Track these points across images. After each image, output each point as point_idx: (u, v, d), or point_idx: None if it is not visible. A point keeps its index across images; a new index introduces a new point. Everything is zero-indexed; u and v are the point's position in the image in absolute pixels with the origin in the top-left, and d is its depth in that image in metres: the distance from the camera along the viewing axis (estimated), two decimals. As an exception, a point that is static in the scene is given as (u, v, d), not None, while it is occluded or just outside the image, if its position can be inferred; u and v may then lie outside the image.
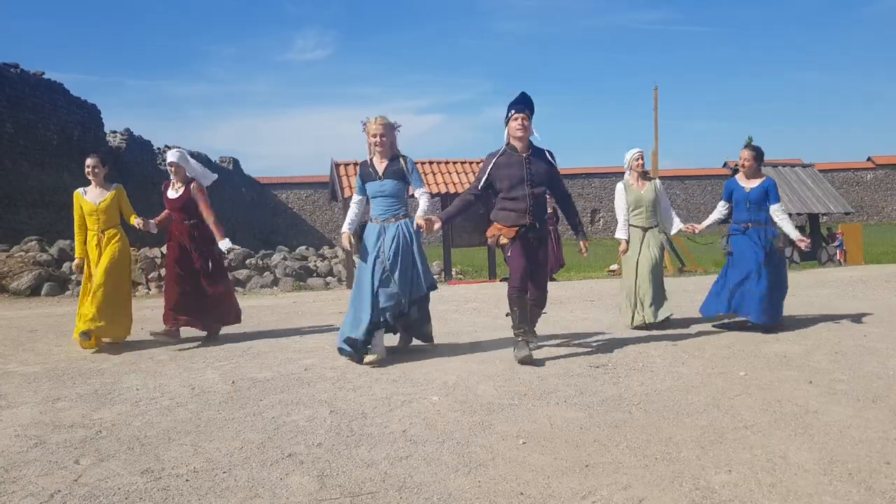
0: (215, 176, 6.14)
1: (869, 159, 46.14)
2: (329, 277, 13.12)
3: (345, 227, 4.91)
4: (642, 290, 5.78)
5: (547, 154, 4.68)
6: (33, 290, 10.54)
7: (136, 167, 19.98)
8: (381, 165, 4.78)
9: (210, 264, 5.67)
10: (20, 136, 15.52)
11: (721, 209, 6.01)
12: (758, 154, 5.72)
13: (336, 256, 14.67)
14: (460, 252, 15.41)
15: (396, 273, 4.62)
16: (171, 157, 5.77)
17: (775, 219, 5.58)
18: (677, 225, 6.00)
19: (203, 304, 5.61)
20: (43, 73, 16.85)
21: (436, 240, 35.94)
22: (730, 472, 2.56)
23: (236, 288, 11.67)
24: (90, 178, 5.63)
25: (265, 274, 12.26)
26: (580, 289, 10.09)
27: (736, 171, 6.15)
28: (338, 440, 3.00)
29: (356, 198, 4.96)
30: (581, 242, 4.89)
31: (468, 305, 8.13)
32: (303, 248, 15.59)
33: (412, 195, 4.91)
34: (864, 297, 7.74)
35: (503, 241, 4.57)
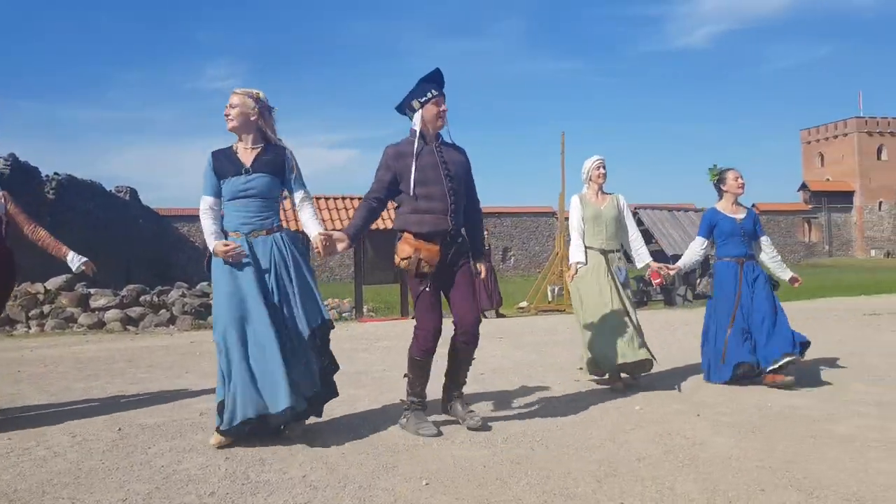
0: None
1: (753, 206, 49.72)
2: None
3: (213, 240, 3.52)
4: (617, 330, 4.68)
5: (461, 149, 3.89)
6: None
7: (20, 196, 18.76)
8: (247, 155, 3.56)
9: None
10: None
11: (699, 248, 5.10)
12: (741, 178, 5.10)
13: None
14: (371, 289, 15.27)
15: (288, 305, 3.47)
16: None
17: (768, 253, 5.09)
18: (644, 258, 4.95)
19: None
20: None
21: (347, 276, 35.49)
22: (623, 505, 2.64)
23: (127, 327, 11.06)
24: None
25: (161, 312, 11.69)
26: (488, 326, 10.22)
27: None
28: (232, 488, 2.86)
29: (209, 201, 3.56)
30: (480, 265, 3.87)
31: (379, 344, 8.06)
32: (204, 283, 14.97)
33: (286, 197, 3.75)
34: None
35: (425, 268, 3.58)
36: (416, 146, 3.68)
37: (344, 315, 15.47)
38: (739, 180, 5.05)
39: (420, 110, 3.72)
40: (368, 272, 14.30)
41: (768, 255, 5.10)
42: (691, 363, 5.81)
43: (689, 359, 6.03)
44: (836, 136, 66.93)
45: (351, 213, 15.45)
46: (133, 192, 31.27)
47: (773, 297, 4.86)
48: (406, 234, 3.65)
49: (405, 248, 3.62)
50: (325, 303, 18.17)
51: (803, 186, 62.95)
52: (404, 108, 3.82)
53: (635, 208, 19.55)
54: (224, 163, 3.53)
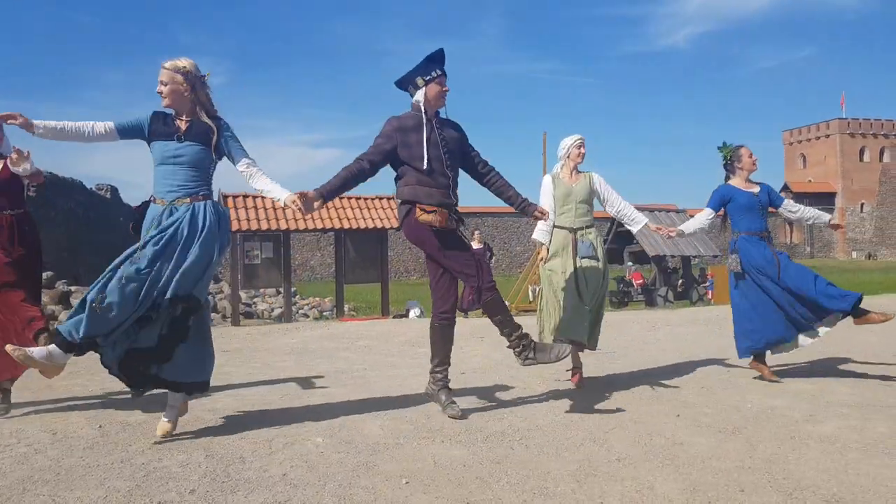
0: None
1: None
2: (212, 314, 12.61)
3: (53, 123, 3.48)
4: (577, 310, 4.64)
5: (456, 123, 4.02)
6: None
7: None
8: (181, 125, 3.53)
9: (33, 277, 4.25)
10: None
11: (706, 218, 5.08)
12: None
13: (221, 291, 14.14)
14: (353, 288, 15.27)
15: (164, 261, 3.34)
16: None
17: (796, 212, 5.15)
18: (640, 221, 4.88)
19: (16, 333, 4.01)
20: None
21: (328, 275, 35.41)
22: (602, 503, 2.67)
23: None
24: None
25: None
26: (471, 325, 10.24)
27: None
28: (212, 486, 2.86)
29: (111, 125, 3.52)
30: (535, 211, 4.13)
31: (359, 343, 8.05)
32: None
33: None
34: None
35: (438, 223, 3.73)
36: (424, 122, 3.79)
37: (325, 314, 15.45)
38: (753, 157, 5.06)
39: (424, 88, 3.82)
40: (349, 271, 14.31)
41: (798, 213, 5.15)
42: (672, 363, 5.88)
43: (669, 359, 6.09)
44: (818, 138, 67.83)
45: (340, 212, 15.43)
46: (114, 191, 31.00)
47: (802, 268, 4.85)
48: (418, 205, 3.77)
49: (423, 214, 3.74)
50: (307, 302, 17.99)
51: (785, 188, 63.72)
52: (406, 85, 3.90)
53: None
54: (160, 125, 3.53)
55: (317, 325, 11.16)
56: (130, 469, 3.09)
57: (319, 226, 15.23)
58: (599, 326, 4.93)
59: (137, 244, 3.43)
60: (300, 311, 16.02)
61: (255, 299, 17.67)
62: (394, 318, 12.72)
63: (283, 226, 14.65)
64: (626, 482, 2.90)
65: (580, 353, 4.90)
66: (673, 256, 19.18)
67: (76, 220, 21.02)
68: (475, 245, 14.47)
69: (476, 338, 8.34)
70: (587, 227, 4.87)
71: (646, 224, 4.91)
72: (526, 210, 4.12)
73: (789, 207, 5.13)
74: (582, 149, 4.90)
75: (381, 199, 16.12)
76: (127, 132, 3.55)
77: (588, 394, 4.70)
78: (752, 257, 4.87)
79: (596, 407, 4.29)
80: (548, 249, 4.85)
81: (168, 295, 3.35)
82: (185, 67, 3.50)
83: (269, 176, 3.63)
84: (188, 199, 3.46)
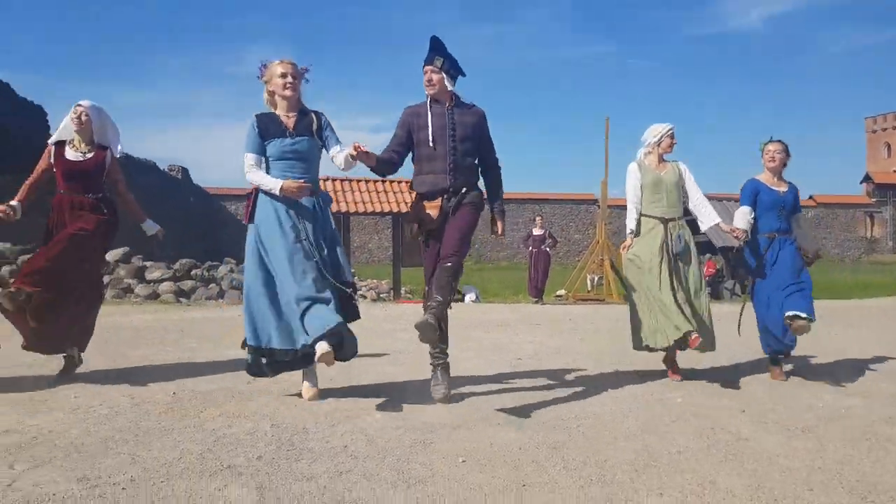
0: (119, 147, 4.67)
1: (810, 198, 48.21)
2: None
3: (276, 183, 3.68)
4: (673, 306, 4.47)
5: (479, 111, 4.07)
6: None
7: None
8: (289, 119, 3.80)
9: (98, 259, 4.53)
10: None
11: (748, 216, 4.82)
12: (788, 150, 4.88)
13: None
14: (409, 271, 15.43)
15: (318, 262, 3.67)
16: (85, 102, 4.41)
17: (801, 229, 4.99)
18: (713, 220, 4.76)
19: (80, 312, 4.31)
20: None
21: (386, 258, 35.92)
22: (661, 495, 2.65)
23: (180, 299, 11.43)
24: None
25: (211, 286, 12.04)
26: (524, 312, 10.23)
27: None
28: (278, 454, 2.98)
29: (252, 157, 3.75)
30: (498, 222, 4.16)
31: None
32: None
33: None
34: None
35: (430, 225, 3.92)
36: (423, 106, 3.99)
37: (382, 296, 15.66)
38: (772, 153, 4.85)
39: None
40: (406, 255, 14.45)
41: (801, 228, 5.02)
42: (738, 358, 5.73)
43: (736, 353, 5.94)
44: (904, 125, 63.92)
45: (398, 196, 15.60)
46: (185, 171, 32.12)
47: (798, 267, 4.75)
48: (415, 197, 4.02)
49: (410, 216, 4.05)
50: (365, 283, 18.25)
51: (867, 178, 60.11)
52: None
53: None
54: (269, 124, 3.77)
55: (375, 307, 11.35)
56: (202, 434, 3.24)
57: (378, 209, 15.42)
58: (711, 324, 4.74)
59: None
60: (358, 293, 16.29)
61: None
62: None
63: (343, 209, 14.90)
64: (687, 475, 2.87)
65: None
66: (743, 248, 18.57)
67: (151, 199, 21.92)
68: (537, 231, 14.37)
69: (532, 325, 8.33)
70: (678, 217, 4.73)
71: (717, 224, 4.80)
72: (493, 219, 4.20)
73: (797, 220, 4.99)
74: (674, 139, 4.79)
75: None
76: (260, 151, 3.80)
77: (648, 385, 4.64)
78: (767, 259, 4.79)
79: (657, 398, 4.24)
80: (633, 238, 4.75)
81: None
82: (302, 67, 3.85)
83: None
84: (311, 195, 3.77)
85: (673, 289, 4.55)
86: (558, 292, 15.47)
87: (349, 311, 3.83)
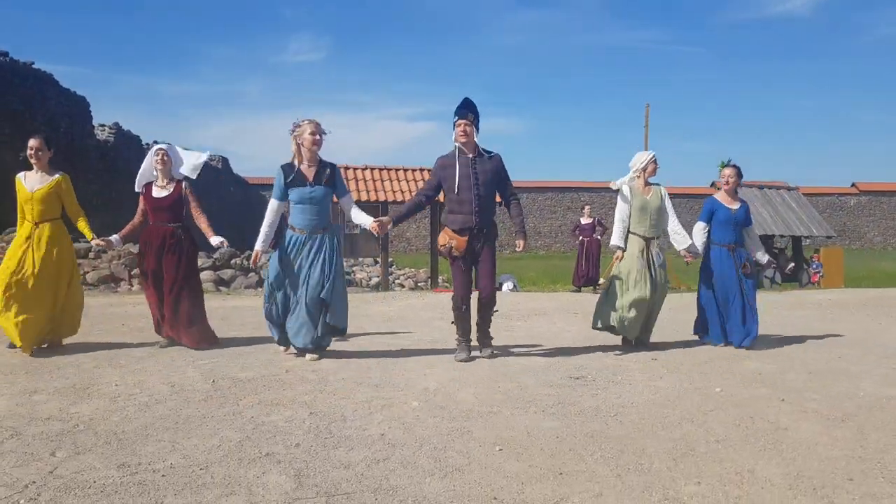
0: (201, 162, 5.53)
1: (853, 185, 46.74)
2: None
3: (259, 244, 4.84)
4: (637, 307, 5.30)
5: (497, 157, 4.92)
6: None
7: (122, 162, 19.88)
8: (309, 171, 4.73)
9: (190, 273, 5.31)
10: (6, 124, 15.38)
11: (703, 231, 5.75)
12: (739, 173, 5.78)
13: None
14: (447, 261, 15.50)
15: (324, 290, 4.65)
16: (162, 146, 5.35)
17: (751, 239, 5.80)
18: (683, 244, 5.55)
19: (188, 320, 5.20)
20: (33, 63, 16.75)
21: (423, 247, 36.09)
22: (699, 483, 2.61)
23: (220, 288, 11.63)
24: (32, 161, 5.04)
25: (250, 275, 12.23)
26: (563, 300, 10.16)
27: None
28: (316, 441, 3.02)
29: (275, 203, 4.79)
30: (518, 241, 5.00)
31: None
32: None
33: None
34: (841, 320, 7.87)
35: (455, 252, 4.81)
36: (451, 158, 4.85)
37: (420, 284, 15.73)
38: (726, 177, 5.73)
39: (453, 131, 4.85)
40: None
41: (751, 239, 5.83)
42: (777, 347, 5.61)
43: (774, 343, 5.82)
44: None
45: (419, 184, 15.64)
46: (225, 161, 32.59)
47: (749, 287, 5.61)
48: (445, 228, 4.91)
49: (443, 238, 4.90)
50: (402, 272, 18.35)
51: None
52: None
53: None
54: (291, 176, 4.72)
55: (412, 295, 11.41)
56: (241, 421, 3.30)
57: (409, 196, 15.44)
58: (653, 323, 5.63)
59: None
60: (396, 281, 16.38)
61: (353, 268, 18.23)
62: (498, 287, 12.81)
63: (382, 197, 14.95)
64: (725, 464, 2.82)
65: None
66: (782, 236, 18.12)
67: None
68: (585, 220, 14.30)
69: (570, 313, 8.27)
70: (657, 237, 5.54)
71: (684, 249, 5.57)
72: (516, 235, 5.04)
73: (752, 233, 5.86)
74: (656, 164, 5.53)
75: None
76: (282, 197, 4.78)
77: (686, 374, 4.58)
78: (716, 264, 5.64)
79: (695, 388, 4.18)
80: (623, 251, 5.43)
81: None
82: (320, 124, 4.76)
83: (357, 207, 4.95)
84: (321, 231, 4.75)
85: (648, 296, 5.34)
86: (598, 281, 15.37)
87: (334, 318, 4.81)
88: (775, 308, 9.10)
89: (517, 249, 5.09)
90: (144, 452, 2.84)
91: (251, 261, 4.64)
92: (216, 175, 28.92)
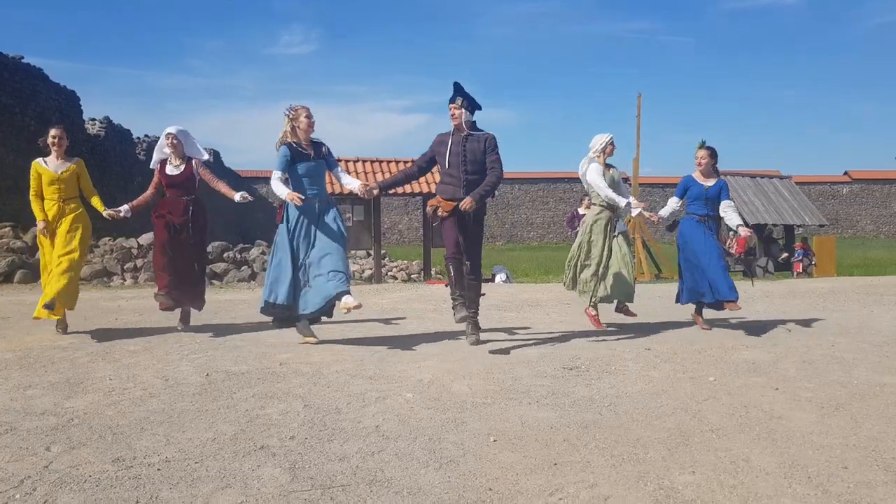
0: (208, 155, 6.18)
1: (845, 173, 46.90)
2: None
3: (287, 191, 4.98)
4: (610, 274, 5.91)
5: (487, 137, 5.26)
6: (6, 277, 10.39)
7: (114, 156, 19.76)
8: (308, 148, 5.19)
9: (200, 241, 5.92)
10: (-4, 119, 15.25)
11: (675, 204, 6.24)
12: (713, 153, 6.10)
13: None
14: (440, 252, 15.47)
15: (333, 254, 5.00)
16: (172, 129, 5.80)
17: (724, 213, 6.02)
18: (635, 208, 5.89)
19: (192, 281, 5.80)
20: (22, 58, 16.60)
21: (416, 239, 36.13)
22: (693, 473, 2.62)
23: (212, 281, 11.60)
24: (53, 148, 5.62)
25: (243, 268, 12.20)
26: (557, 291, 10.17)
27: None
28: (310, 434, 3.02)
29: (280, 175, 5.08)
30: (467, 199, 5.00)
31: (446, 305, 8.14)
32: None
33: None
34: (834, 308, 7.90)
35: (441, 213, 5.16)
36: (446, 136, 5.30)
37: (413, 277, 15.72)
38: (699, 159, 6.08)
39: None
40: (437, 235, 14.41)
41: (725, 213, 6.03)
42: (770, 336, 5.64)
43: (767, 332, 5.85)
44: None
45: (428, 176, 15.59)
46: (216, 154, 32.42)
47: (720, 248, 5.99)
48: (438, 196, 5.30)
49: (432, 202, 5.30)
50: (395, 264, 18.34)
51: (907, 155, 58.38)
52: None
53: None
54: (298, 151, 5.15)
55: (405, 287, 11.40)
56: (235, 415, 3.30)
57: (408, 190, 15.40)
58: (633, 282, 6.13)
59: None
60: (389, 273, 16.36)
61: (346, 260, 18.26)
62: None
63: (374, 189, 14.95)
64: (720, 453, 2.83)
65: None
66: (775, 225, 18.20)
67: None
68: (583, 210, 14.26)
69: (563, 304, 8.28)
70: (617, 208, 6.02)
71: (627, 203, 5.87)
72: (472, 195, 5.14)
73: (723, 207, 6.02)
74: (615, 146, 5.98)
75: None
76: (286, 170, 5.10)
77: (679, 364, 4.59)
78: (689, 234, 6.03)
79: (688, 377, 4.19)
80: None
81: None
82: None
83: (347, 175, 5.41)
84: (324, 200, 5.22)
85: (610, 261, 5.91)
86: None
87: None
88: (768, 297, 9.14)
89: (462, 206, 5.02)
90: (139, 446, 2.83)
91: (292, 198, 4.91)
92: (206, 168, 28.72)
